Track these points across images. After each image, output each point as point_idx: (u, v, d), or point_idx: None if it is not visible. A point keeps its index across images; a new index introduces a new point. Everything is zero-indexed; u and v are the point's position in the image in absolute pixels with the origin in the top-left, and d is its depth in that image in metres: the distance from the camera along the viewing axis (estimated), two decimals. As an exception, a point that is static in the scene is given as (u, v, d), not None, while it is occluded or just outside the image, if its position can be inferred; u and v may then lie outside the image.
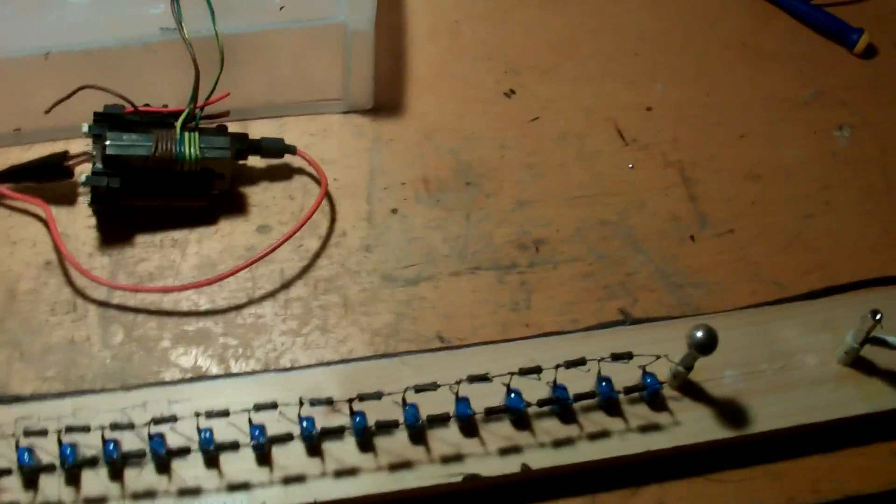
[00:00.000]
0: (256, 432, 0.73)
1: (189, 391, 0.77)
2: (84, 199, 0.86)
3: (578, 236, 0.90)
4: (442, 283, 0.86)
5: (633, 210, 0.92)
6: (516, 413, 0.76)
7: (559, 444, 0.77)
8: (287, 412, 0.74)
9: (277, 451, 0.75)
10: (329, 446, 0.75)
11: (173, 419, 0.72)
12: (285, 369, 0.80)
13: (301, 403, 0.74)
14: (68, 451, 0.72)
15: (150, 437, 0.73)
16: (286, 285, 0.86)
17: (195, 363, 0.82)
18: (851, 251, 0.91)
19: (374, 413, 0.75)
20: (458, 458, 0.76)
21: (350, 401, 0.74)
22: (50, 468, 0.72)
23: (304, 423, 0.74)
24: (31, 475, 0.72)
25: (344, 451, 0.75)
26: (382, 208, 0.90)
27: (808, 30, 1.06)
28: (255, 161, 0.90)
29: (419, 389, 0.74)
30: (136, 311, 0.84)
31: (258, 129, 0.92)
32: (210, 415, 0.72)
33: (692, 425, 0.78)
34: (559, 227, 0.90)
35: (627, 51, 1.03)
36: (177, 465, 0.74)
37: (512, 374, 0.75)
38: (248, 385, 0.78)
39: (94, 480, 0.73)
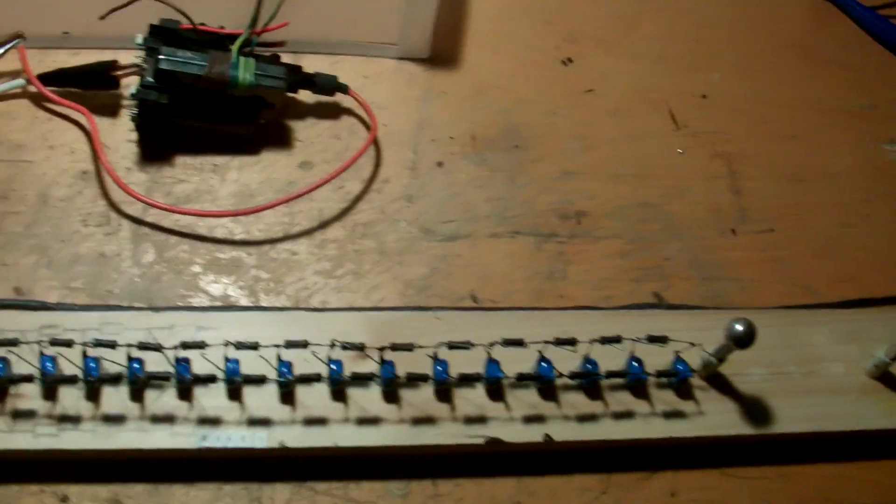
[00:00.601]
0: (284, 369, 0.72)
1: (218, 319, 0.76)
2: (128, 113, 0.85)
3: (620, 214, 0.89)
4: (479, 243, 0.85)
5: (676, 196, 0.91)
6: (545, 382, 0.75)
7: (583, 418, 0.76)
8: (315, 353, 0.73)
9: (302, 391, 0.73)
10: (354, 392, 0.74)
11: (202, 345, 0.71)
12: (316, 309, 0.79)
13: (333, 345, 0.72)
14: (92, 365, 0.71)
15: (177, 360, 0.71)
16: (323, 225, 0.84)
17: (224, 292, 0.80)
18: (885, 265, 0.90)
19: (403, 364, 0.73)
20: (481, 420, 0.74)
21: (382, 349, 0.73)
22: (71, 380, 0.70)
23: (333, 366, 0.73)
24: (52, 385, 0.71)
25: (369, 398, 0.74)
26: (427, 160, 0.89)
27: (869, 38, 1.05)
28: (304, 95, 0.89)
29: (452, 346, 0.73)
30: (170, 231, 0.82)
31: (310, 64, 0.90)
32: (240, 346, 0.71)
33: (715, 417, 0.77)
34: (602, 202, 0.89)
35: (688, 36, 1.02)
36: (199, 392, 0.72)
37: (547, 342, 0.74)
38: (278, 320, 0.77)
39: (115, 398, 0.72)
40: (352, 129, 0.89)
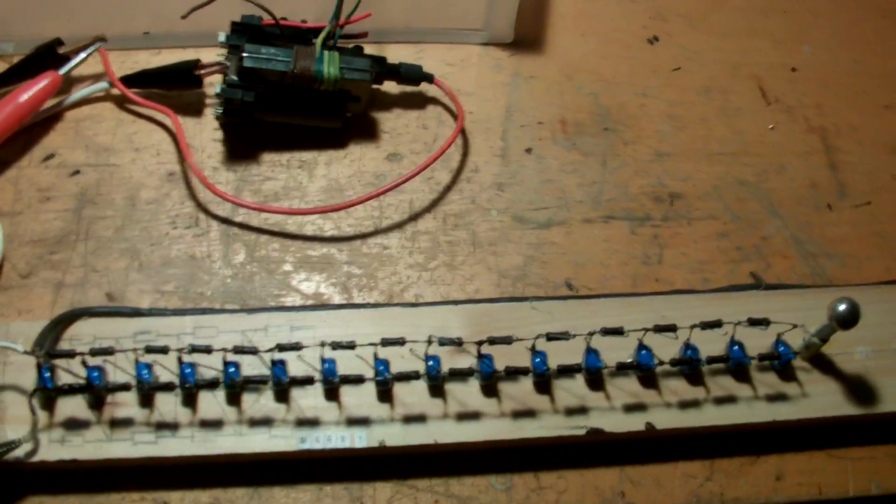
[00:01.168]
0: (381, 367, 0.71)
1: (312, 318, 0.75)
2: (212, 111, 0.84)
3: (715, 194, 0.87)
4: (574, 229, 0.84)
5: (773, 173, 0.89)
6: (645, 370, 0.74)
7: (685, 405, 0.75)
8: (412, 349, 0.72)
9: (400, 389, 0.73)
10: (452, 388, 0.73)
11: (298, 347, 0.70)
12: (411, 304, 0.78)
13: (430, 342, 0.71)
14: (188, 371, 0.70)
15: (273, 363, 0.71)
16: (414, 217, 0.84)
17: (317, 290, 0.80)
18: None
19: (501, 357, 0.72)
20: (582, 410, 0.74)
21: (479, 343, 0.72)
22: (168, 386, 0.70)
23: (431, 362, 0.72)
24: (148, 392, 0.71)
25: (468, 393, 0.73)
26: (517, 147, 0.88)
27: (971, 4, 1.02)
28: (389, 86, 0.88)
29: (551, 338, 0.72)
30: (259, 230, 0.82)
31: (395, 54, 0.89)
32: (336, 346, 0.70)
33: (820, 398, 0.76)
34: (696, 182, 0.87)
35: (777, 8, 0.99)
36: (296, 393, 0.72)
37: (647, 329, 0.73)
38: (373, 317, 0.76)
39: (212, 402, 0.71)
40: (439, 118, 0.88)
